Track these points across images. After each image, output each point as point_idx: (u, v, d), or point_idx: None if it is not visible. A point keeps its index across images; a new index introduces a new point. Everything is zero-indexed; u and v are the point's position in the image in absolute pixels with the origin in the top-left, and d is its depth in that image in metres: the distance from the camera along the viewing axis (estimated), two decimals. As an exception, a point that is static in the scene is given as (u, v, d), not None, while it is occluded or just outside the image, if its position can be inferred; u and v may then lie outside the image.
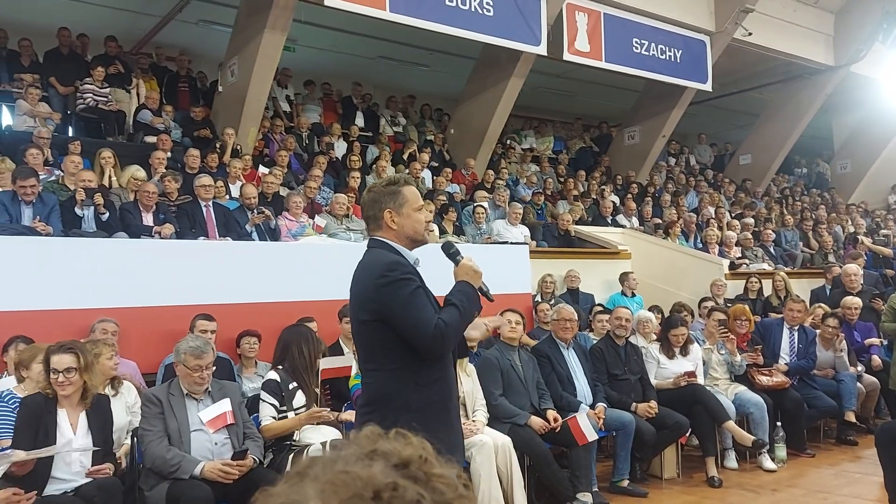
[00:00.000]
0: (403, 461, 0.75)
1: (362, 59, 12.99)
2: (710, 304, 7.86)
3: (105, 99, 9.26)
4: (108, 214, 6.55)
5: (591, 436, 4.90)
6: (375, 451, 0.76)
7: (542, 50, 10.44)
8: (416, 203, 2.69)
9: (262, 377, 4.66)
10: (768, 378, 6.35)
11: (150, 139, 9.03)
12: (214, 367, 4.06)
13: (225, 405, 3.97)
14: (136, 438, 3.95)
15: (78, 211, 6.44)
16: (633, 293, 8.95)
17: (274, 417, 4.24)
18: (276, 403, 4.27)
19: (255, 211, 7.33)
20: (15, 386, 4.22)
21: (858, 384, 6.84)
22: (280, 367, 4.45)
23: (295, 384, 4.36)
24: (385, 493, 0.70)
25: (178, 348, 3.94)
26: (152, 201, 6.78)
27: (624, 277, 9.04)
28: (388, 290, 2.52)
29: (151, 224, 6.64)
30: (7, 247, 5.26)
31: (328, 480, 0.71)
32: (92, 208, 6.52)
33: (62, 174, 7.20)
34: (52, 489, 3.50)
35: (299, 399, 4.33)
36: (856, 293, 8.02)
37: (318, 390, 4.50)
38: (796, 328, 6.76)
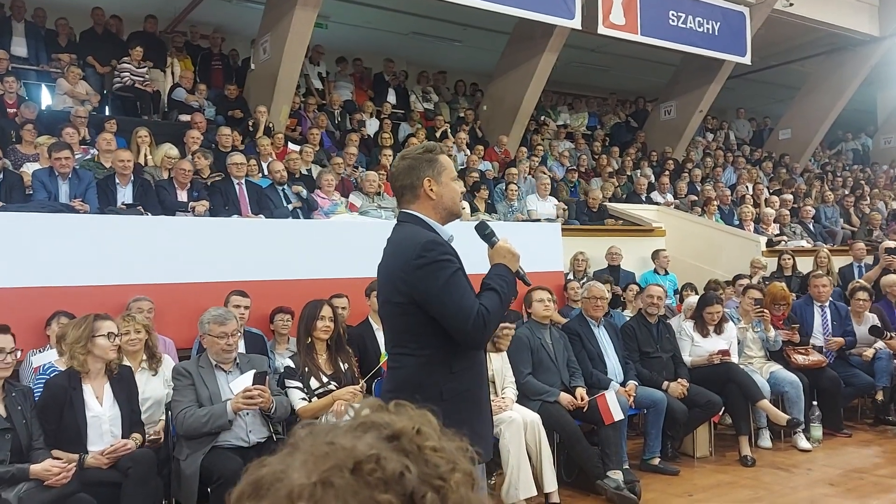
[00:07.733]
0: (396, 433, 0.74)
1: (395, 35, 12.93)
2: (745, 281, 7.73)
3: (142, 78, 9.37)
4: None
5: (618, 415, 4.85)
6: (367, 422, 0.76)
7: (576, 24, 10.27)
8: (453, 172, 2.55)
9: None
10: (804, 357, 6.25)
11: (185, 118, 9.13)
12: (240, 336, 4.14)
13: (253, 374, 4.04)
14: (170, 412, 4.03)
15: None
16: (665, 271, 8.84)
17: (304, 399, 4.30)
18: (301, 386, 4.33)
19: (287, 185, 7.39)
20: (56, 359, 4.33)
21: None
22: (293, 354, 4.55)
23: (306, 369, 4.39)
24: (366, 465, 0.70)
25: (202, 320, 4.06)
26: (188, 179, 6.87)
27: (656, 255, 8.93)
28: (426, 273, 2.35)
29: (186, 201, 6.73)
30: (47, 223, 5.38)
31: (311, 451, 0.72)
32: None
33: (97, 152, 7.32)
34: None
35: (314, 382, 4.37)
36: (893, 270, 7.84)
37: (345, 365, 4.54)
38: (827, 305, 6.63)
